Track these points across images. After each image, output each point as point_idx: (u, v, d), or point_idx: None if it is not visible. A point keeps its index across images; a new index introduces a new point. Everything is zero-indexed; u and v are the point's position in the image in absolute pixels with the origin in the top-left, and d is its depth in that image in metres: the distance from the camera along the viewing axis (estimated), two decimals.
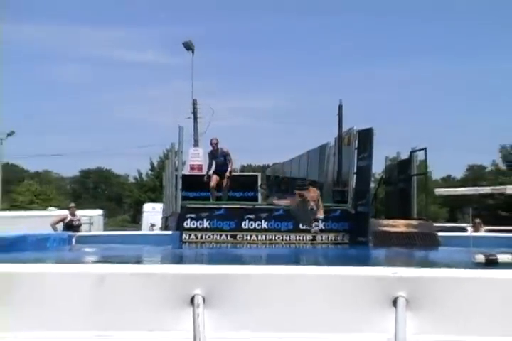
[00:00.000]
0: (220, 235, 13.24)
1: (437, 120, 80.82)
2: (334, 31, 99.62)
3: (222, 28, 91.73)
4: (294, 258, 10.84)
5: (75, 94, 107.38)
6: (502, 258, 4.52)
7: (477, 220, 23.18)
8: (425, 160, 16.29)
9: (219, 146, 16.93)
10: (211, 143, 17.12)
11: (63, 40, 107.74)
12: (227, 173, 16.51)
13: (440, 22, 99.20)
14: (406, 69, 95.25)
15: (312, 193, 11.26)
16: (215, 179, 16.46)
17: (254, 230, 13.29)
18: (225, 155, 16.75)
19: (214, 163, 16.70)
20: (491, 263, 4.47)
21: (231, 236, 13.21)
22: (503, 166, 56.90)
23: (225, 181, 16.45)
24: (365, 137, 13.68)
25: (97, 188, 79.92)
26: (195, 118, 25.36)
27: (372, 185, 15.10)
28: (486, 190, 4.79)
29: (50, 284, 3.62)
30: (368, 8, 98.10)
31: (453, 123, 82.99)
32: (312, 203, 10.97)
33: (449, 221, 38.24)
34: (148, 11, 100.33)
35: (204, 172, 18.27)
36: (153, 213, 25.76)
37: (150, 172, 63.98)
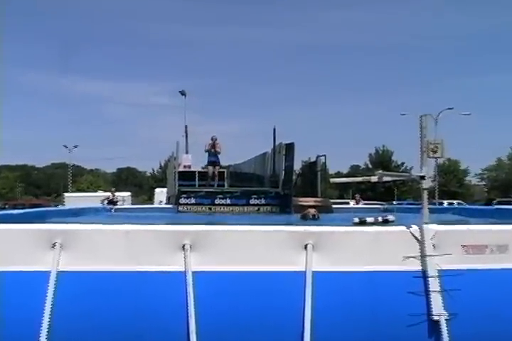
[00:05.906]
0: (201, 207, 13.09)
1: (331, 138, 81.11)
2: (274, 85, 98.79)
3: (204, 83, 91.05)
4: (246, 221, 10.72)
5: (118, 123, 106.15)
6: (368, 219, 4.57)
7: (358, 197, 23.35)
8: (325, 162, 16.39)
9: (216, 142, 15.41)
10: (212, 139, 15.49)
11: (111, 90, 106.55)
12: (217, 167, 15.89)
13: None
14: (325, 109, 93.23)
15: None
16: (211, 169, 15.84)
17: (222, 204, 13.19)
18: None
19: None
20: (362, 223, 4.50)
21: (208, 208, 13.08)
22: (370, 165, 57.99)
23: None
24: (289, 148, 13.68)
25: (127, 179, 78.68)
26: (186, 136, 25.38)
27: (293, 177, 15.09)
28: (360, 179, 4.82)
29: (97, 236, 3.55)
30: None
31: (341, 140, 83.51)
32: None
33: (338, 198, 38.50)
34: (162, 70, 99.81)
35: (192, 169, 18.08)
36: (161, 194, 25.37)
37: (159, 170, 63.57)
